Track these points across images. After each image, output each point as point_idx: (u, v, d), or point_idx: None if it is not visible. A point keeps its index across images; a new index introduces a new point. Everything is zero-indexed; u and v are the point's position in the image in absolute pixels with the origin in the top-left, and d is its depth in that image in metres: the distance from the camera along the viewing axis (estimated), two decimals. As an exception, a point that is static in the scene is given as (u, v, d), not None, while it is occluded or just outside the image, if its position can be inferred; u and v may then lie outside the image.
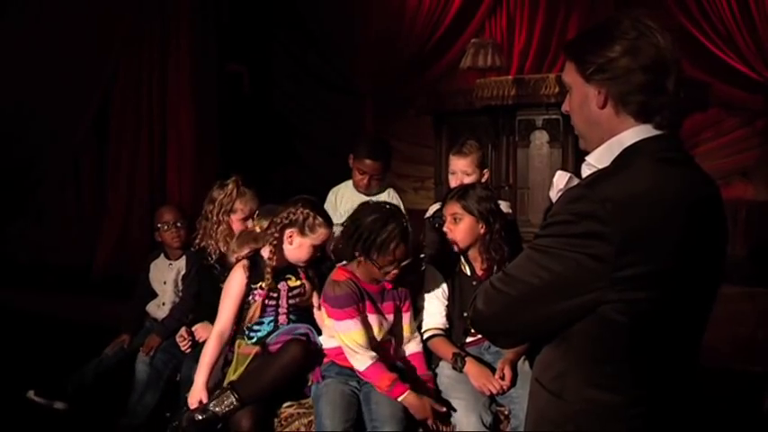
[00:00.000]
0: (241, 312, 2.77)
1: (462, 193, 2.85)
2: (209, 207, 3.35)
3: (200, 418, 2.55)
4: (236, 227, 3.32)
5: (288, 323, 2.79)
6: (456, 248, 2.81)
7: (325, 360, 2.71)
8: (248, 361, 2.68)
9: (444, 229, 2.82)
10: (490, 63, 6.51)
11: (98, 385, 3.55)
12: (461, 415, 2.58)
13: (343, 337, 2.57)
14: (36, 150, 6.81)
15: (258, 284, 2.75)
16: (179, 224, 3.76)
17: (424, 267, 2.89)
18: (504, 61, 6.72)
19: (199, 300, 3.51)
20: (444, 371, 2.75)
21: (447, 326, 2.82)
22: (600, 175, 1.44)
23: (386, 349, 2.68)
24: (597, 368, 1.44)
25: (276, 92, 8.20)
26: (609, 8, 6.39)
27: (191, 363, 3.14)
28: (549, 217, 1.46)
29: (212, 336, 2.73)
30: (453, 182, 3.31)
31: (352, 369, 2.61)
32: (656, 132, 1.47)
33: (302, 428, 2.65)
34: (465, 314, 2.81)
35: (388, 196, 3.80)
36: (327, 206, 3.63)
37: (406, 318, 2.75)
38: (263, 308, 2.76)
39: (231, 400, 2.55)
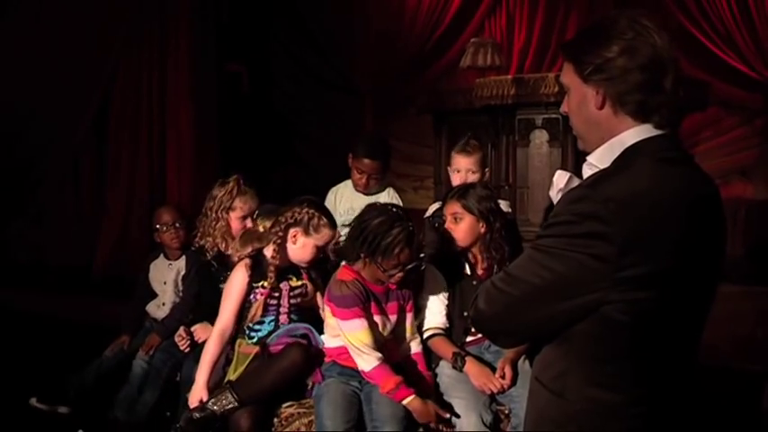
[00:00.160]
0: (242, 311, 2.77)
1: (463, 192, 2.85)
2: (209, 204, 3.38)
3: (198, 416, 2.56)
4: (235, 225, 3.35)
5: (289, 323, 2.79)
6: (457, 248, 2.81)
7: (327, 359, 2.71)
8: (249, 360, 2.69)
9: (445, 228, 2.82)
10: (490, 62, 6.51)
11: (99, 387, 3.54)
12: (462, 414, 2.58)
13: (349, 336, 2.56)
14: (36, 150, 6.81)
15: (260, 284, 2.76)
16: (178, 225, 3.75)
17: (423, 267, 2.90)
18: (503, 60, 6.72)
19: (199, 300, 3.52)
20: (444, 370, 2.75)
21: (447, 325, 2.82)
22: (601, 175, 1.44)
23: (389, 349, 2.68)
24: (598, 367, 1.44)
25: (276, 91, 8.20)
26: (608, 7, 6.38)
27: (191, 363, 3.15)
28: (550, 217, 1.46)
29: (213, 335, 2.74)
30: (457, 180, 3.31)
31: (353, 369, 2.61)
32: (656, 132, 1.47)
33: (302, 428, 2.65)
34: (465, 313, 2.81)
35: (388, 196, 3.80)
36: (327, 206, 3.63)
37: (409, 318, 2.75)
38: (265, 307, 2.76)
39: (230, 399, 2.55)
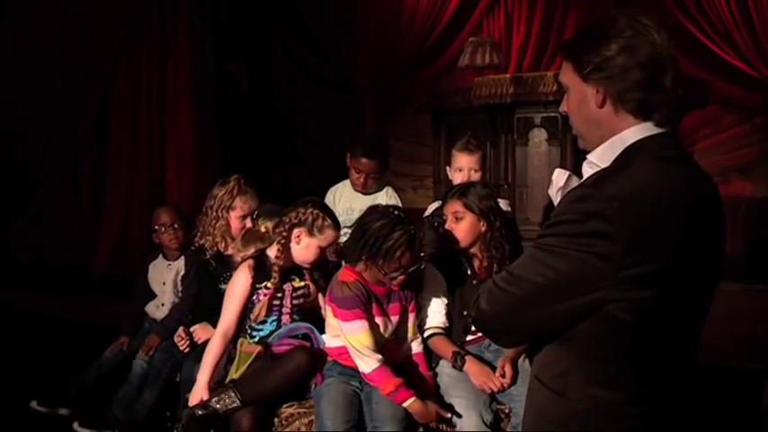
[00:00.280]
0: (244, 311, 2.78)
1: (463, 191, 2.85)
2: (209, 203, 3.41)
3: (200, 413, 2.56)
4: (234, 224, 3.37)
5: (291, 323, 2.80)
6: (458, 247, 2.81)
7: (328, 359, 2.71)
8: (251, 360, 2.69)
9: (446, 227, 2.82)
10: (488, 61, 6.51)
11: (99, 388, 3.54)
12: (462, 414, 2.58)
13: (349, 338, 2.56)
14: (36, 150, 6.81)
15: (263, 284, 2.77)
16: (176, 225, 3.75)
17: (423, 266, 2.90)
18: (501, 59, 6.72)
19: (198, 300, 3.53)
20: (444, 370, 2.75)
21: (447, 324, 2.82)
22: (604, 174, 1.44)
23: (390, 349, 2.68)
24: (600, 366, 1.44)
25: (275, 91, 8.20)
26: (607, 6, 6.38)
27: (191, 363, 3.15)
28: (553, 216, 1.46)
29: (216, 335, 2.75)
30: (458, 179, 3.32)
31: (354, 369, 2.60)
32: (657, 131, 1.47)
33: (303, 428, 2.64)
34: (465, 313, 2.81)
35: (386, 195, 3.80)
36: (326, 206, 3.64)
37: (411, 318, 2.75)
38: (268, 307, 2.77)
39: (233, 398, 2.56)
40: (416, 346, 2.77)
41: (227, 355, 2.79)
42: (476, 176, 3.29)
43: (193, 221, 3.56)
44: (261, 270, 2.77)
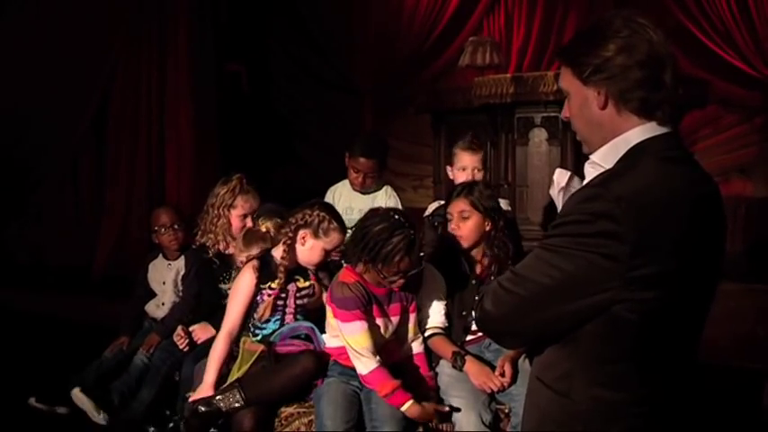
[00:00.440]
0: (248, 311, 2.78)
1: (469, 189, 2.85)
2: (210, 201, 3.43)
3: (203, 410, 2.58)
4: (235, 223, 3.39)
5: (294, 323, 2.81)
6: (462, 246, 2.81)
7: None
8: (253, 358, 2.70)
9: (451, 227, 2.81)
10: (488, 61, 6.51)
11: (99, 388, 3.54)
12: (461, 414, 2.58)
13: (348, 339, 2.56)
14: (35, 150, 6.81)
15: (267, 284, 2.77)
16: (176, 226, 3.74)
17: (422, 266, 2.89)
18: (502, 59, 6.72)
19: (199, 299, 3.53)
20: (444, 369, 2.75)
21: (446, 324, 2.82)
22: (610, 174, 1.44)
23: (390, 350, 2.68)
24: (605, 367, 1.44)
25: (275, 91, 8.19)
26: (607, 5, 6.39)
27: (191, 362, 3.16)
28: (559, 216, 1.46)
29: (221, 335, 2.76)
30: (461, 178, 3.31)
31: (354, 369, 2.60)
32: (660, 131, 1.47)
33: (302, 428, 2.65)
34: (464, 313, 2.82)
35: (386, 194, 3.80)
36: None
37: (412, 318, 2.75)
38: (273, 307, 2.77)
39: (237, 398, 2.57)
40: (417, 347, 2.77)
41: (230, 353, 2.80)
42: (479, 176, 3.31)
43: (193, 221, 3.57)
44: (265, 270, 2.78)
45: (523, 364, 2.69)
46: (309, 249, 2.77)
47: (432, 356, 2.81)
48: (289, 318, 2.80)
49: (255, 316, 2.77)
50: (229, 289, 2.99)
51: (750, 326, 4.55)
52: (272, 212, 3.18)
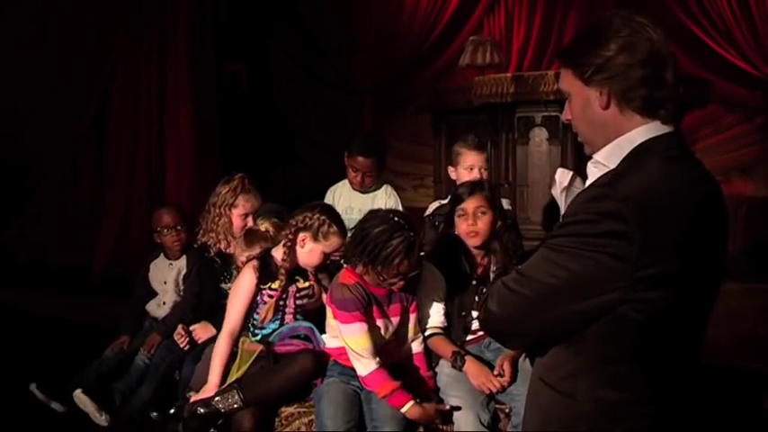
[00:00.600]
0: (248, 311, 2.78)
1: (481, 186, 2.87)
2: (212, 200, 3.44)
3: (202, 411, 2.58)
4: (236, 223, 3.39)
5: (293, 323, 2.81)
6: (474, 244, 2.79)
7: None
8: (253, 358, 2.70)
9: (467, 223, 2.79)
10: (489, 60, 6.51)
11: (99, 387, 3.54)
12: (460, 413, 2.58)
13: (347, 341, 2.55)
14: (36, 150, 6.80)
15: (267, 285, 2.77)
16: (179, 227, 3.72)
17: (422, 265, 2.89)
18: (502, 58, 6.72)
19: (200, 299, 3.53)
20: (444, 369, 2.75)
21: (446, 324, 2.82)
22: (616, 174, 1.43)
23: (390, 350, 2.67)
24: (610, 368, 1.43)
25: (275, 91, 8.19)
26: (608, 4, 6.38)
27: (191, 362, 3.16)
28: (565, 216, 1.45)
29: (222, 335, 2.76)
30: (466, 177, 3.31)
31: (354, 369, 2.59)
32: (663, 130, 1.46)
33: (303, 428, 2.64)
34: (464, 313, 2.81)
35: (386, 193, 3.80)
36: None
37: (412, 318, 2.74)
38: (275, 308, 2.77)
39: (236, 399, 2.57)
40: (417, 346, 2.77)
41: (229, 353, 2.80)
42: (485, 174, 3.34)
43: (195, 221, 3.57)
44: (265, 270, 2.78)
45: (524, 363, 2.69)
46: (309, 252, 2.77)
47: (431, 357, 2.80)
48: (288, 318, 2.80)
49: (257, 318, 2.77)
50: (230, 288, 2.99)
51: (751, 325, 4.55)
52: (271, 212, 3.18)
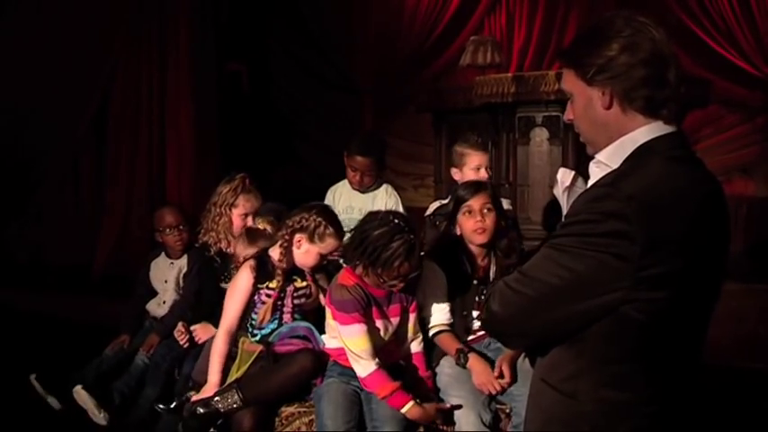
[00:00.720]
0: (245, 310, 2.78)
1: (487, 185, 2.89)
2: (213, 199, 3.45)
3: (201, 411, 2.58)
4: (237, 222, 3.39)
5: (292, 322, 2.80)
6: (482, 240, 2.79)
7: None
8: (252, 359, 2.70)
9: (474, 220, 2.78)
10: (489, 60, 6.51)
11: (99, 386, 3.54)
12: (460, 413, 2.57)
13: (347, 341, 2.55)
14: (36, 150, 6.80)
15: (264, 284, 2.77)
16: (181, 227, 3.71)
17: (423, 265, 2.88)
18: (503, 58, 6.72)
19: (199, 298, 3.52)
20: (444, 369, 2.74)
21: (452, 320, 2.81)
22: (619, 174, 1.43)
23: (390, 350, 2.67)
24: (612, 368, 1.43)
25: (276, 90, 8.19)
26: (609, 5, 6.38)
27: (191, 362, 3.16)
28: (568, 216, 1.45)
29: (220, 335, 2.76)
30: (475, 177, 3.31)
31: (354, 369, 2.59)
32: (666, 130, 1.46)
33: (303, 428, 2.64)
34: (465, 313, 2.81)
35: (386, 193, 3.79)
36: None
37: (412, 318, 2.74)
38: (273, 309, 2.77)
39: (235, 398, 2.57)
40: (416, 346, 2.76)
41: (228, 353, 2.79)
42: (488, 174, 3.38)
43: (196, 221, 3.57)
44: (262, 270, 2.77)
45: (524, 364, 2.68)
46: (305, 253, 2.77)
47: (432, 356, 2.80)
48: (286, 317, 2.80)
49: (255, 319, 2.77)
50: (229, 288, 2.98)
51: (752, 326, 4.55)
52: (271, 212, 3.19)
